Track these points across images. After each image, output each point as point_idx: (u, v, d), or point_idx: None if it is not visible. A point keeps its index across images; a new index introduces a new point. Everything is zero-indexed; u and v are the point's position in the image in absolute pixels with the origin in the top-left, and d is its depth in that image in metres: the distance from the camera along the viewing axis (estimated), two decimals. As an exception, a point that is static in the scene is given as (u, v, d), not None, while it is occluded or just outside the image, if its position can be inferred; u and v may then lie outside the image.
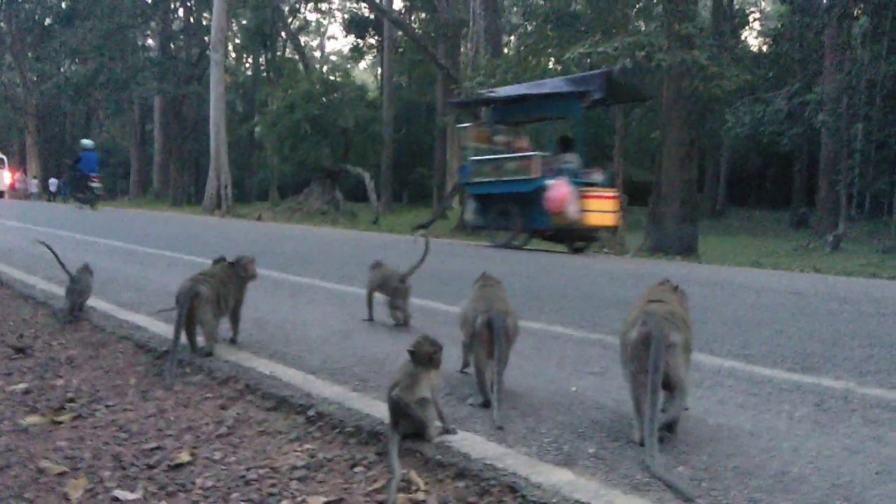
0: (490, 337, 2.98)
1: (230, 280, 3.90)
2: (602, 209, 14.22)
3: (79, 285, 4.58)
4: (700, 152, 28.77)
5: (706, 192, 39.78)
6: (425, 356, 2.51)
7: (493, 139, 16.01)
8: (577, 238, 14.99)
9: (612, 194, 14.82)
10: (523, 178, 14.36)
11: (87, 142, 28.75)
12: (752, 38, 36.84)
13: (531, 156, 14.68)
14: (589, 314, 5.38)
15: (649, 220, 17.82)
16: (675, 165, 16.87)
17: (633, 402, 2.58)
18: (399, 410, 2.45)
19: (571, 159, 14.75)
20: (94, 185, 26.68)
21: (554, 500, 2.01)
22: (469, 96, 20.79)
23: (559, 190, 13.47)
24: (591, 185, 14.35)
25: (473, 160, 15.84)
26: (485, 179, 15.23)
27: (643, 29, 18.01)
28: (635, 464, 2.32)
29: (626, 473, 2.24)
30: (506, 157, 15.21)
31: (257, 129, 47.63)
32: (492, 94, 17.01)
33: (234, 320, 4.01)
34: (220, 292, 3.74)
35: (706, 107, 20.89)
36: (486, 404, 2.94)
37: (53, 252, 4.64)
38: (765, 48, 32.33)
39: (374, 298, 4.78)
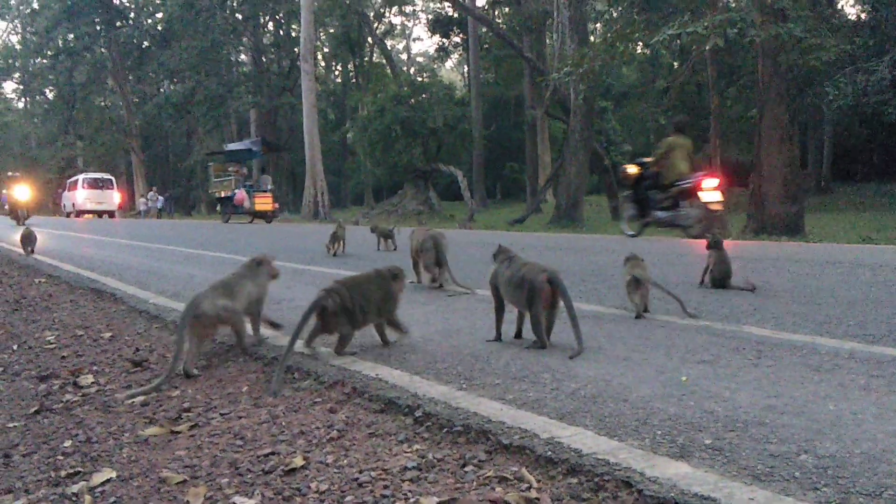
0: (553, 290, 3.69)
1: (370, 290, 3.86)
2: (264, 202, 30.22)
3: None
4: (801, 128, 27.72)
5: (810, 169, 38.27)
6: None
7: (226, 170, 32.48)
8: (259, 217, 30.42)
9: (270, 195, 30.85)
10: (229, 189, 30.91)
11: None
12: (849, 7, 35.18)
13: (231, 178, 31.35)
14: (694, 301, 5.24)
15: (750, 201, 17.25)
16: (774, 144, 16.30)
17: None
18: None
19: (260, 178, 33.23)
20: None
21: (672, 495, 1.95)
22: (219, 147, 45.12)
23: (239, 195, 29.70)
24: (263, 191, 30.76)
25: (214, 181, 33.26)
26: (219, 192, 32.18)
27: (733, 5, 17.40)
28: (755, 454, 2.23)
29: (747, 464, 2.15)
30: (222, 180, 32.08)
31: (349, 134, 48.47)
32: (225, 147, 34.85)
33: (343, 334, 3.84)
34: (350, 304, 3.70)
35: (805, 81, 20.09)
36: (544, 346, 3.77)
37: None
38: (863, 16, 30.86)
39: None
